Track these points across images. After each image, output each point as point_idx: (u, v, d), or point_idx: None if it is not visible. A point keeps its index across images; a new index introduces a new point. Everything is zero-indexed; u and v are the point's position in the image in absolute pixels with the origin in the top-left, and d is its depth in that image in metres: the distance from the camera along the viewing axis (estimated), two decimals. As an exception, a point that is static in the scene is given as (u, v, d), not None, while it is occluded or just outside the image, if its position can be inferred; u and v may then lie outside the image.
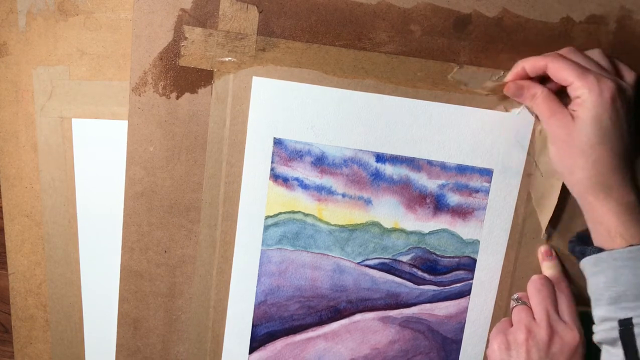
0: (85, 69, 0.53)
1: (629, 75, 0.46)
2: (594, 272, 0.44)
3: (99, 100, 0.54)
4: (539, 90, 0.46)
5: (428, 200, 0.52)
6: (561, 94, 0.46)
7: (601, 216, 0.44)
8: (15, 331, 0.60)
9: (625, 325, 0.42)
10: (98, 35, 0.53)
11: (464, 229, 0.52)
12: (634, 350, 0.41)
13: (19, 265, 0.58)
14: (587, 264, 0.45)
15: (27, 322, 0.59)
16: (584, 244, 0.47)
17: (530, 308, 0.49)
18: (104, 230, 0.57)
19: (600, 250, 0.44)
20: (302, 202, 0.53)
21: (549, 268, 0.51)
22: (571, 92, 0.44)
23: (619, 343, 0.42)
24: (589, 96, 0.43)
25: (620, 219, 0.43)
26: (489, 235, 0.52)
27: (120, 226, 0.55)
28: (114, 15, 0.52)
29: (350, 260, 0.53)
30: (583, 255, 0.45)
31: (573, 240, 0.49)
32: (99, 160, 0.55)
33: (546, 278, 0.50)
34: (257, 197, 0.53)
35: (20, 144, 0.55)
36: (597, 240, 0.45)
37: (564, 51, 0.46)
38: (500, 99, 0.50)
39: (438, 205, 0.52)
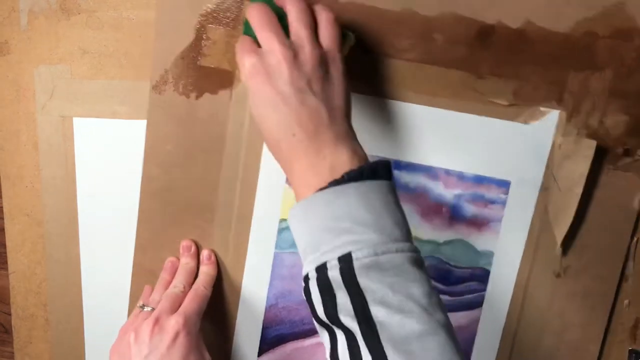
0: (87, 67, 0.55)
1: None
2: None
3: (101, 99, 0.56)
4: None
5: (444, 210, 0.54)
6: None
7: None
8: (15, 330, 0.62)
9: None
10: (100, 34, 0.54)
11: (479, 240, 0.54)
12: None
13: (19, 265, 0.60)
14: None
15: (27, 322, 0.61)
16: None
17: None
18: (105, 229, 0.58)
19: None
20: (317, 206, 0.55)
21: None
22: None
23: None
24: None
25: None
26: (504, 247, 0.54)
27: (122, 225, 0.57)
28: (116, 13, 0.54)
29: (363, 267, 0.55)
30: None
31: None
32: (100, 160, 0.57)
33: None
34: (272, 200, 0.55)
35: (21, 143, 0.57)
36: None
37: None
38: (522, 110, 0.52)
39: (454, 215, 0.54)
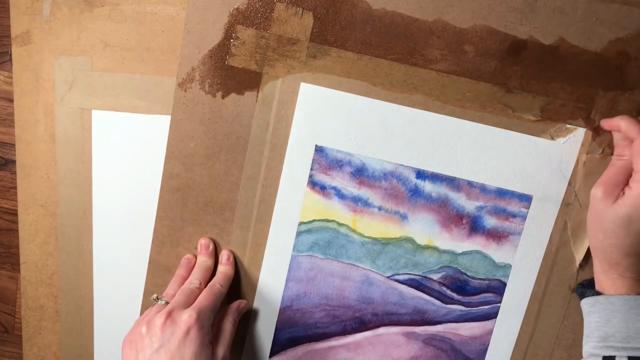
0: (108, 60, 0.55)
1: None
2: (590, 311, 0.50)
3: (120, 92, 0.56)
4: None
5: (464, 221, 0.55)
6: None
7: (604, 275, 0.50)
8: (24, 320, 0.62)
9: None
10: (122, 28, 0.54)
11: (497, 252, 0.55)
12: None
13: (31, 255, 0.60)
14: (585, 304, 0.51)
15: (37, 312, 0.61)
16: (587, 288, 0.52)
17: None
18: (119, 223, 0.59)
19: (598, 293, 0.50)
20: (337, 211, 0.55)
21: None
22: (634, 175, 0.47)
23: None
24: (636, 194, 0.46)
25: (619, 282, 0.49)
26: (522, 261, 0.55)
27: (136, 220, 0.58)
28: (139, 8, 0.54)
29: (380, 274, 0.56)
30: (583, 295, 0.51)
31: (580, 283, 0.55)
32: (118, 153, 0.57)
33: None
34: (293, 203, 0.55)
35: (39, 134, 0.57)
36: (598, 286, 0.51)
37: None
38: (548, 126, 0.52)
39: (474, 226, 0.55)
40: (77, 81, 0.55)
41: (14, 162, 0.59)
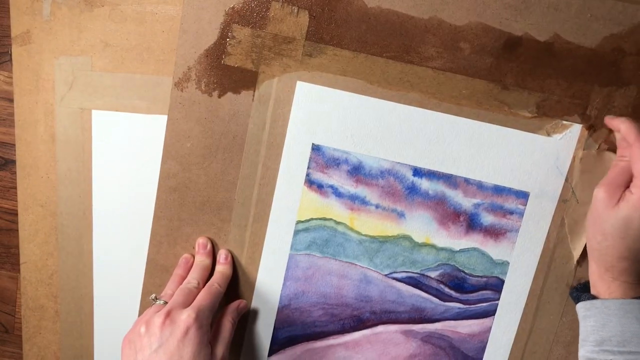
0: (108, 60, 0.55)
1: None
2: (585, 315, 0.49)
3: (121, 92, 0.56)
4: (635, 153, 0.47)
5: (462, 218, 0.55)
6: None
7: (599, 278, 0.50)
8: (24, 320, 0.62)
9: None
10: (122, 27, 0.55)
11: (495, 250, 0.55)
12: None
13: (31, 255, 0.60)
14: (581, 308, 0.50)
15: (37, 312, 0.62)
16: (582, 291, 0.52)
17: None
18: (118, 223, 0.59)
19: (594, 297, 0.50)
20: (334, 209, 0.55)
21: None
22: (634, 180, 0.47)
23: None
24: (636, 198, 0.46)
25: (613, 286, 0.49)
26: (520, 258, 0.55)
27: (135, 220, 0.58)
28: (139, 7, 0.54)
29: (377, 272, 0.56)
30: (578, 300, 0.51)
31: (574, 286, 0.54)
32: (118, 153, 0.57)
33: None
34: (290, 201, 0.55)
35: (39, 134, 0.57)
36: (593, 289, 0.51)
37: None
38: (544, 122, 0.52)
39: (471, 223, 0.55)
40: (77, 81, 0.56)
41: (14, 162, 0.59)
